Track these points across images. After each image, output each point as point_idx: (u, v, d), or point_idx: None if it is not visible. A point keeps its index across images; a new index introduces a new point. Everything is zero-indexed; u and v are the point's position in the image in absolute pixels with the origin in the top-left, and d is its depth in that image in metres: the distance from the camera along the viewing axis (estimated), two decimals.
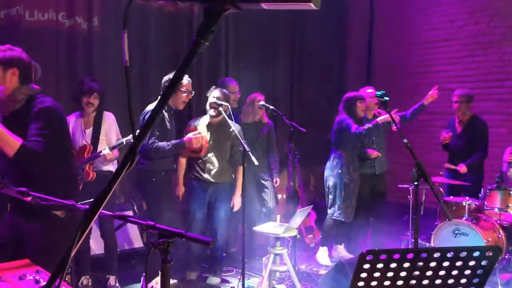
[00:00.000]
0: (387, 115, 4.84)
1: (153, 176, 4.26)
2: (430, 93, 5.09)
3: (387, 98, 2.76)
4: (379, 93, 2.80)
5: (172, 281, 4.46)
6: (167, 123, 4.29)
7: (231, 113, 5.06)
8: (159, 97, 1.05)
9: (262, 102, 5.02)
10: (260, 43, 6.57)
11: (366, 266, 1.73)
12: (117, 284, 4.31)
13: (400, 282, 1.78)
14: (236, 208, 4.64)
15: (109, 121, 4.29)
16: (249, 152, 3.80)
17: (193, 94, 4.47)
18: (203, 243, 1.37)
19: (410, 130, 7.10)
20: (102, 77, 4.78)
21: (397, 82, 7.36)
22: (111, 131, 4.28)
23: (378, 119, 4.98)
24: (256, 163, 3.89)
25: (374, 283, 1.77)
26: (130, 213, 5.02)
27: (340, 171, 5.15)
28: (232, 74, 5.88)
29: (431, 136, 6.88)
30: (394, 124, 4.58)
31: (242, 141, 3.94)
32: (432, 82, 7.04)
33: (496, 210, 4.66)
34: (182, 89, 4.32)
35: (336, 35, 7.52)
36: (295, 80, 7.08)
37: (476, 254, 1.76)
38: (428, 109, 7.08)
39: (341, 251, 5.43)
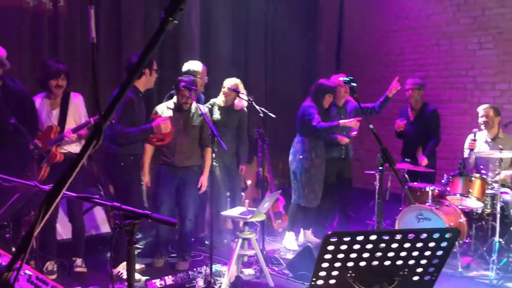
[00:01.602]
0: (351, 121, 4.92)
1: (121, 160, 4.22)
2: (392, 84, 5.16)
3: (355, 84, 2.80)
4: (346, 79, 2.84)
5: (139, 266, 4.44)
6: (135, 107, 4.24)
7: (200, 97, 5.05)
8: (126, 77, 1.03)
9: (232, 87, 5.00)
10: (232, 28, 6.53)
11: (330, 247, 1.77)
12: (83, 265, 4.26)
13: (363, 263, 1.83)
14: (203, 189, 4.62)
15: (77, 102, 4.21)
16: (218, 137, 3.79)
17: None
18: (169, 224, 1.37)
19: (377, 118, 7.22)
20: (69, 59, 4.67)
21: (367, 70, 7.45)
22: (78, 112, 4.21)
23: (341, 121, 5.00)
24: (225, 148, 3.89)
25: (337, 264, 1.81)
26: (104, 198, 4.95)
27: (301, 156, 5.19)
28: (202, 59, 5.83)
29: None
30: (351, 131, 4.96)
31: (210, 125, 3.94)
32: (400, 70, 7.17)
33: (458, 195, 4.81)
34: (156, 69, 4.29)
35: (307, 23, 7.55)
36: (268, 67, 7.09)
37: (436, 235, 1.82)
38: (396, 97, 7.23)
39: (309, 236, 5.51)
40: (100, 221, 4.95)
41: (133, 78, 0.93)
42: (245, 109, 5.24)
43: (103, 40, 5.15)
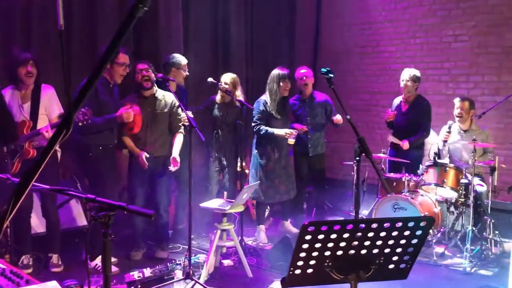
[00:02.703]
0: (284, 132, 4.88)
1: (89, 151, 4.18)
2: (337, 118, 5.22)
3: (332, 75, 2.81)
4: (324, 70, 2.84)
5: (113, 260, 4.40)
6: (101, 97, 4.16)
7: (180, 88, 5.01)
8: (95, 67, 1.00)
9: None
10: (211, 23, 6.48)
11: (308, 237, 1.78)
12: (60, 262, 4.21)
13: (340, 252, 1.85)
14: (174, 166, 4.42)
15: (48, 94, 4.08)
16: (196, 128, 3.77)
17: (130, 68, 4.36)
18: (145, 215, 1.36)
19: (355, 109, 7.29)
20: (43, 50, 4.55)
21: (343, 62, 7.50)
22: (51, 105, 4.09)
23: (275, 131, 4.92)
24: (202, 138, 3.87)
25: (315, 254, 1.83)
26: (79, 190, 4.88)
27: (256, 151, 5.15)
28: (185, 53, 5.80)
29: (376, 115, 7.11)
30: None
31: (188, 116, 3.91)
32: (376, 62, 7.24)
33: (433, 185, 4.90)
34: (119, 62, 4.21)
35: (285, 15, 7.54)
36: (248, 62, 7.07)
37: (411, 224, 1.85)
38: (373, 89, 7.30)
39: (288, 226, 5.54)
40: (76, 214, 4.88)
41: (101, 67, 0.90)
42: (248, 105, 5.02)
43: (77, 27, 5.02)
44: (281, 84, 4.99)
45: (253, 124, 5.03)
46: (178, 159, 4.44)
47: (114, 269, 4.12)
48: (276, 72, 5.06)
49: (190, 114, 4.24)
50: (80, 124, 3.73)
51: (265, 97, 5.08)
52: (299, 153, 5.43)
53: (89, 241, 4.16)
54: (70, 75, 4.79)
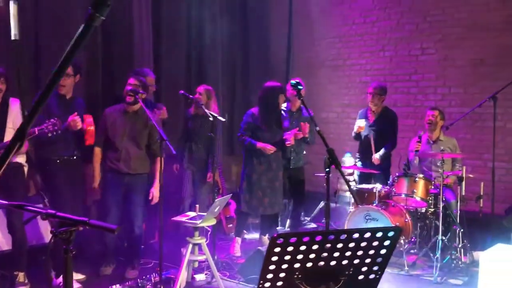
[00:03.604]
0: (266, 146, 4.88)
1: (46, 164, 4.10)
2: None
3: (301, 87, 2.83)
4: (293, 82, 2.86)
5: (80, 276, 4.28)
6: (52, 110, 4.05)
7: (152, 101, 4.98)
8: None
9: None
10: (187, 32, 6.46)
11: (277, 249, 1.76)
12: (26, 281, 4.07)
13: (309, 264, 1.84)
14: (155, 200, 4.50)
15: (16, 107, 4.01)
16: (167, 141, 3.73)
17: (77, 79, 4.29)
18: (108, 230, 1.32)
19: (327, 121, 7.36)
20: (6, 61, 4.44)
21: (315, 75, 7.58)
22: (18, 119, 4.01)
23: (258, 145, 4.89)
24: (173, 151, 3.83)
25: (284, 266, 1.81)
26: (41, 206, 4.75)
27: (244, 162, 5.12)
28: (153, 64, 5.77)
29: (347, 127, 7.18)
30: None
31: (158, 128, 3.87)
32: (347, 74, 7.35)
33: (403, 196, 4.96)
34: (68, 73, 4.14)
35: (257, 29, 7.59)
36: (225, 75, 7.08)
37: (379, 234, 1.85)
38: (344, 101, 7.40)
39: (265, 241, 5.48)
40: (44, 230, 4.74)
41: (55, 79, 0.88)
42: (219, 117, 4.96)
43: (45, 37, 4.90)
44: (280, 97, 5.00)
45: (238, 134, 5.05)
46: (158, 194, 4.33)
47: (77, 285, 4.01)
48: (275, 85, 5.04)
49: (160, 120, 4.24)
50: (49, 135, 3.67)
51: (256, 109, 5.03)
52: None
53: (49, 257, 4.06)
54: (19, 83, 4.64)
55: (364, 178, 5.59)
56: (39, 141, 3.94)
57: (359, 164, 5.68)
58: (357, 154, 5.77)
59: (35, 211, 1.39)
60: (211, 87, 5.34)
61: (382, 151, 5.40)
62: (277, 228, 5.73)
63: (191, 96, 4.97)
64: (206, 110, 4.65)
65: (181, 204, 5.30)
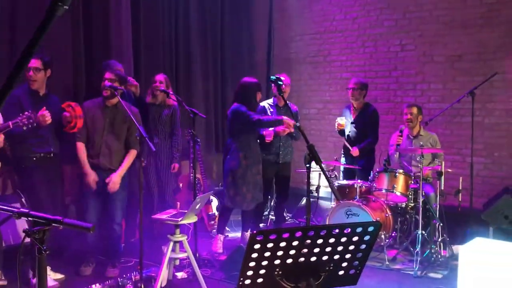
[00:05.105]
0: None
1: (21, 162, 4.03)
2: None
3: (281, 83, 2.82)
4: (273, 77, 2.84)
5: (60, 276, 4.22)
6: (24, 105, 3.95)
7: (132, 94, 4.92)
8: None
9: (162, 88, 4.92)
10: (166, 28, 6.36)
11: (257, 246, 1.75)
12: (3, 277, 3.99)
13: (289, 260, 1.83)
14: (111, 186, 4.27)
15: None
16: (146, 138, 3.68)
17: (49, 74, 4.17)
18: (83, 229, 1.29)
19: (308, 118, 7.37)
20: None
21: (296, 70, 7.59)
22: None
23: (283, 118, 4.80)
24: (153, 149, 3.79)
25: (264, 263, 1.80)
26: (18, 205, 4.66)
27: (228, 156, 5.05)
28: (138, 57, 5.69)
29: (328, 123, 7.21)
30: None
31: (138, 125, 3.82)
32: (328, 71, 7.37)
33: (383, 191, 4.99)
34: (30, 67, 4.01)
35: (237, 25, 7.53)
36: (209, 73, 6.99)
37: (359, 230, 1.86)
38: (325, 97, 7.43)
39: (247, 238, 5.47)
40: (21, 229, 4.65)
41: (16, 71, 0.84)
42: (176, 104, 5.01)
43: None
44: (258, 94, 4.97)
45: (251, 117, 4.78)
46: (116, 180, 4.26)
47: (52, 283, 3.95)
48: (251, 81, 4.99)
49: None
50: (24, 128, 3.58)
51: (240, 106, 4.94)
52: (269, 160, 5.36)
53: (23, 256, 3.96)
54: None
55: (348, 174, 5.62)
56: (12, 138, 3.86)
57: (342, 160, 5.71)
58: (342, 150, 5.80)
59: (8, 210, 1.35)
60: (188, 83, 5.27)
61: (362, 144, 5.44)
62: (260, 225, 5.73)
63: (171, 92, 4.92)
64: (187, 108, 4.59)
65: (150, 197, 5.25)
